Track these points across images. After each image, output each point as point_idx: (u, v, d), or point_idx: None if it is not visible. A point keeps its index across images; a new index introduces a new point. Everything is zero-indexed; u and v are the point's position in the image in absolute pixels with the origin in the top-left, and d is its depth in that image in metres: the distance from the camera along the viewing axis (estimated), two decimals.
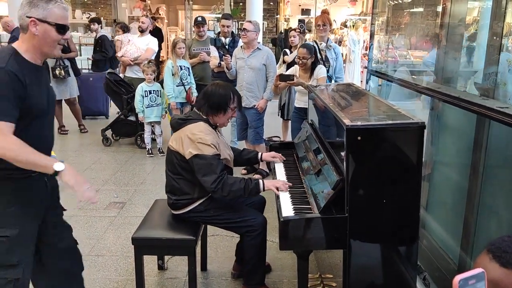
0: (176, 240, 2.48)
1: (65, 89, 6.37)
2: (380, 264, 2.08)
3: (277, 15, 12.45)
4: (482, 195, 2.41)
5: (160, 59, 11.64)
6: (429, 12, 4.18)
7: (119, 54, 6.33)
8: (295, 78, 3.93)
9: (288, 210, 2.19)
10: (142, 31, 6.22)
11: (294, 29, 6.09)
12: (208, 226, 2.94)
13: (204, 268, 3.04)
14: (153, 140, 5.91)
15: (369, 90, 3.63)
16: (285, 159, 2.91)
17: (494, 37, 2.35)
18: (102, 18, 10.43)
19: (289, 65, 5.31)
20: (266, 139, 5.08)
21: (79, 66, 7.14)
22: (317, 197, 2.21)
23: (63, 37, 1.87)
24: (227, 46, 5.19)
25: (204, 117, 2.57)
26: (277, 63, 5.23)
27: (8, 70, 1.74)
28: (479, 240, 2.41)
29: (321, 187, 2.24)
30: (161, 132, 5.79)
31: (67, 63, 6.35)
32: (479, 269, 0.98)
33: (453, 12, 3.00)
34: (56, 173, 1.78)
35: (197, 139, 2.43)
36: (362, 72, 8.87)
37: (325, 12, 6.13)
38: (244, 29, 4.56)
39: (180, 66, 5.29)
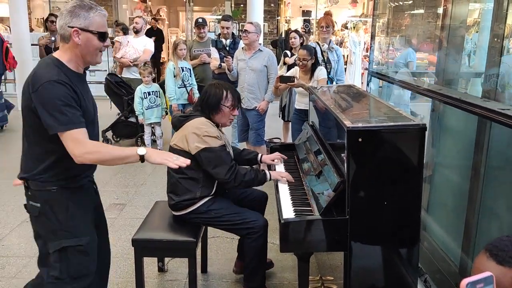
0: (176, 242, 2.47)
1: None
2: (381, 266, 2.07)
3: (278, 16, 12.45)
4: (483, 197, 2.40)
5: (161, 60, 11.68)
6: (429, 13, 4.18)
7: (117, 55, 6.33)
8: (295, 79, 3.93)
9: (288, 212, 2.19)
10: (136, 31, 6.25)
11: (295, 30, 6.08)
12: (209, 228, 2.93)
13: (204, 270, 3.03)
14: (154, 141, 5.90)
15: (369, 92, 3.63)
16: (286, 158, 2.91)
17: (496, 39, 2.35)
18: None
19: (290, 66, 5.31)
20: (267, 140, 5.08)
21: None
22: (318, 199, 2.21)
23: (104, 44, 1.88)
24: (227, 48, 5.19)
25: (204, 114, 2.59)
26: (277, 64, 5.23)
27: (62, 81, 1.75)
28: (480, 242, 2.40)
29: (321, 189, 2.23)
30: (162, 133, 5.78)
31: None
32: (487, 273, 0.98)
33: (454, 14, 3.00)
34: (142, 158, 1.83)
35: (203, 132, 2.44)
36: (363, 73, 8.87)
37: (328, 14, 6.13)
38: (246, 30, 4.55)
39: (181, 67, 5.28)
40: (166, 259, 3.05)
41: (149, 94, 5.54)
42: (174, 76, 5.25)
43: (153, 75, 5.74)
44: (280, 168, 2.85)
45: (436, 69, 3.23)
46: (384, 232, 2.03)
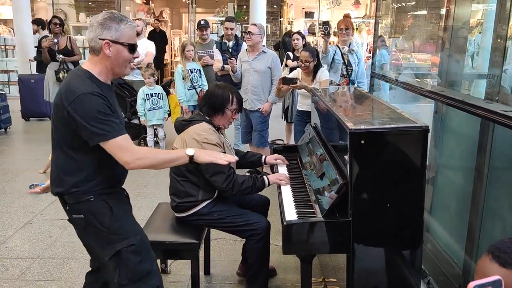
0: (179, 244, 2.47)
1: None
2: (384, 268, 2.07)
3: (280, 18, 12.45)
4: (486, 198, 2.39)
5: (164, 62, 11.70)
6: (432, 15, 4.18)
7: None
8: (298, 81, 3.93)
9: (291, 214, 2.19)
10: (137, 34, 6.23)
11: (297, 32, 6.07)
12: (211, 230, 2.94)
13: (207, 271, 3.03)
14: (156, 143, 5.91)
15: (372, 93, 3.62)
16: (288, 163, 2.91)
17: (499, 40, 2.34)
18: None
19: (292, 68, 5.31)
20: (270, 142, 5.07)
21: None
22: (321, 201, 2.20)
23: (133, 56, 1.89)
24: (230, 50, 5.19)
25: (207, 118, 2.59)
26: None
27: (97, 93, 1.76)
28: (483, 244, 2.39)
29: (324, 191, 2.23)
30: (164, 135, 5.79)
31: (71, 66, 6.37)
32: (496, 277, 0.98)
33: (457, 15, 2.99)
34: (191, 158, 1.87)
35: (203, 139, 2.44)
36: None
37: (347, 17, 6.07)
38: (249, 32, 4.56)
39: (190, 69, 5.29)
40: (169, 261, 3.05)
41: (151, 95, 5.56)
42: (183, 79, 5.26)
43: (156, 77, 5.75)
44: (283, 170, 2.85)
45: (439, 71, 3.22)
46: (387, 234, 2.02)
